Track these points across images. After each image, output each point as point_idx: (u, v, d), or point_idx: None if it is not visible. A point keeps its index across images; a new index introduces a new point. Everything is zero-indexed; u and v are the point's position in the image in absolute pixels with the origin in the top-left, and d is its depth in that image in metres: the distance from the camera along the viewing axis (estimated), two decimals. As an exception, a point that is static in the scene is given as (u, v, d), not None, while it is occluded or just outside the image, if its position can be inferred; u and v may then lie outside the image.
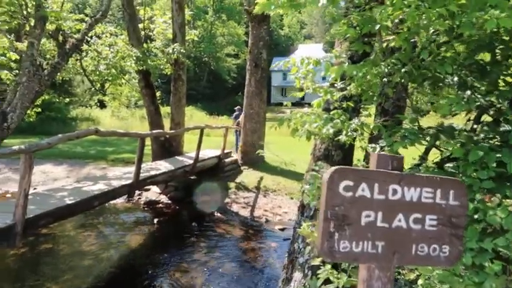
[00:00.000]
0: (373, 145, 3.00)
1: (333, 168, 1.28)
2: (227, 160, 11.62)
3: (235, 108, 15.76)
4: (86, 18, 9.12)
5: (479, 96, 2.61)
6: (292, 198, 9.91)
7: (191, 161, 9.66)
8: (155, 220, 8.35)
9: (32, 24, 6.85)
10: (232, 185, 10.62)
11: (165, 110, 24.44)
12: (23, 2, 6.85)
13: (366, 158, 3.70)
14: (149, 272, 6.00)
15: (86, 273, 6.03)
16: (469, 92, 2.70)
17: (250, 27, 12.25)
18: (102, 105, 33.62)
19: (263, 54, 12.22)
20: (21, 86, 6.11)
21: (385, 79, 2.91)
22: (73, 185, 6.71)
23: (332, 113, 3.46)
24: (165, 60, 9.71)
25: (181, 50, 9.64)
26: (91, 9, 37.19)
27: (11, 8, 6.92)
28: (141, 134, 6.97)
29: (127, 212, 9.00)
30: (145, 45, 10.03)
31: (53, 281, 5.69)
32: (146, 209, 9.24)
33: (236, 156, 12.55)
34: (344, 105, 3.38)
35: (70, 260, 6.41)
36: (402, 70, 2.49)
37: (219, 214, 8.91)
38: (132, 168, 8.97)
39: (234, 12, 44.73)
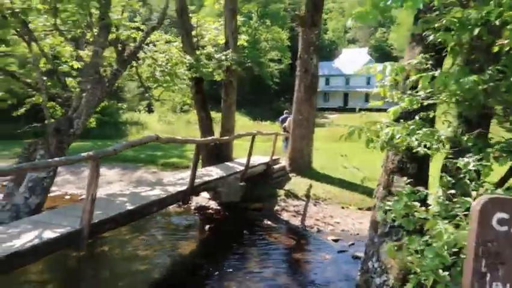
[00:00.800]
0: (465, 160, 2.75)
1: (486, 197, 1.11)
2: (275, 167, 11.51)
3: (284, 112, 15.60)
4: (142, 27, 9.39)
5: None
6: (343, 208, 9.61)
7: (241, 167, 9.65)
8: (207, 226, 8.36)
9: (95, 32, 7.10)
10: (281, 192, 10.47)
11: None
12: (88, 12, 7.11)
13: (446, 171, 3.42)
14: (203, 280, 5.97)
15: (142, 278, 6.09)
16: None
17: (301, 32, 12.09)
18: (150, 110, 34.79)
19: (313, 60, 12.02)
20: (87, 93, 6.31)
21: (480, 87, 2.66)
22: (130, 190, 6.85)
23: (409, 123, 3.24)
24: (217, 66, 9.77)
25: (234, 57, 9.67)
26: (140, 18, 38.52)
27: (76, 16, 7.20)
28: (197, 140, 7.02)
29: (179, 216, 9.10)
30: (197, 51, 10.15)
31: (110, 285, 5.80)
32: (196, 214, 9.30)
33: (284, 162, 12.39)
34: (426, 115, 3.15)
35: (126, 264, 6.52)
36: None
37: (269, 222, 8.79)
38: (184, 174, 9.10)
39: (278, 17, 44.82)
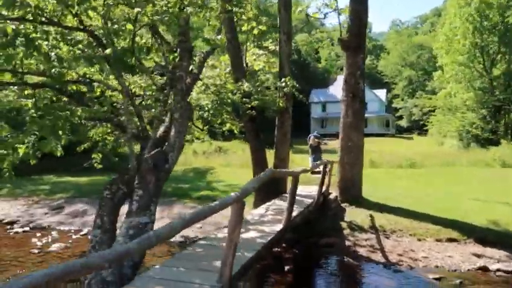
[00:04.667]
0: None
1: None
2: (331, 197, 10.80)
3: (316, 131, 18.80)
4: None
5: None
6: (419, 240, 8.85)
7: (305, 200, 8.93)
8: (286, 268, 7.48)
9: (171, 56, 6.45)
10: (344, 224, 9.70)
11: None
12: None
13: None
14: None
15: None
16: None
17: (346, 57, 11.71)
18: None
19: (361, 84, 11.58)
20: (176, 123, 5.57)
21: None
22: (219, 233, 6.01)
23: None
24: (278, 94, 9.16)
25: (293, 82, 9.13)
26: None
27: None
28: (294, 172, 6.31)
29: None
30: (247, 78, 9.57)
31: None
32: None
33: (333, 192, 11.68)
34: None
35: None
36: None
37: (350, 259, 7.97)
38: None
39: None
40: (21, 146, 5.25)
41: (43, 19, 4.30)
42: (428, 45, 56.45)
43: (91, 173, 17.94)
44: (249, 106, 8.87)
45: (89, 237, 5.00)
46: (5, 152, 4.72)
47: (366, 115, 54.75)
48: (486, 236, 8.66)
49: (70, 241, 9.22)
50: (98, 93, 5.96)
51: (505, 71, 28.18)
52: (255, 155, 10.03)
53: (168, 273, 4.08)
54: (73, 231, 10.21)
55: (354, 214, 10.34)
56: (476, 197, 12.39)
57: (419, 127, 55.53)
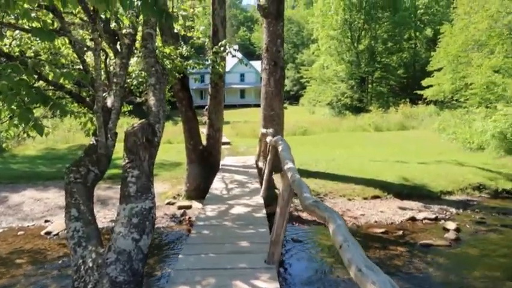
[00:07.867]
0: None
1: None
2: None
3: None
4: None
5: None
6: (350, 200, 9.63)
7: (250, 170, 8.80)
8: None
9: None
10: (278, 192, 9.91)
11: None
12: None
13: None
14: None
15: None
16: None
17: (266, 24, 11.59)
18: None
19: (281, 53, 11.69)
20: (154, 89, 4.72)
21: None
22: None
23: None
24: (216, 58, 8.55)
25: (232, 45, 8.64)
26: None
27: None
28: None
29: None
30: (183, 45, 8.70)
31: None
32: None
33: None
34: None
35: None
36: None
37: (300, 224, 8.22)
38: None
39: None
40: None
41: None
42: (296, 19, 60.13)
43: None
44: (180, 74, 8.08)
45: (67, 232, 4.00)
46: None
47: (244, 86, 55.71)
48: (401, 191, 9.92)
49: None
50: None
51: (368, 46, 31.90)
52: (189, 126, 9.33)
53: (202, 262, 3.56)
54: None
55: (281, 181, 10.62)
56: (373, 158, 14.02)
57: (289, 97, 59.69)
